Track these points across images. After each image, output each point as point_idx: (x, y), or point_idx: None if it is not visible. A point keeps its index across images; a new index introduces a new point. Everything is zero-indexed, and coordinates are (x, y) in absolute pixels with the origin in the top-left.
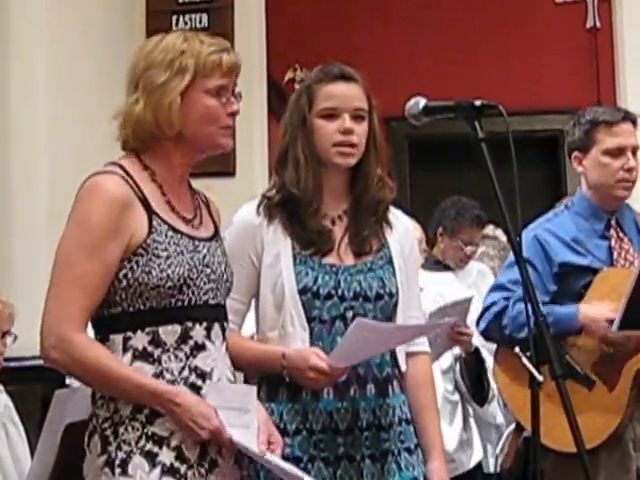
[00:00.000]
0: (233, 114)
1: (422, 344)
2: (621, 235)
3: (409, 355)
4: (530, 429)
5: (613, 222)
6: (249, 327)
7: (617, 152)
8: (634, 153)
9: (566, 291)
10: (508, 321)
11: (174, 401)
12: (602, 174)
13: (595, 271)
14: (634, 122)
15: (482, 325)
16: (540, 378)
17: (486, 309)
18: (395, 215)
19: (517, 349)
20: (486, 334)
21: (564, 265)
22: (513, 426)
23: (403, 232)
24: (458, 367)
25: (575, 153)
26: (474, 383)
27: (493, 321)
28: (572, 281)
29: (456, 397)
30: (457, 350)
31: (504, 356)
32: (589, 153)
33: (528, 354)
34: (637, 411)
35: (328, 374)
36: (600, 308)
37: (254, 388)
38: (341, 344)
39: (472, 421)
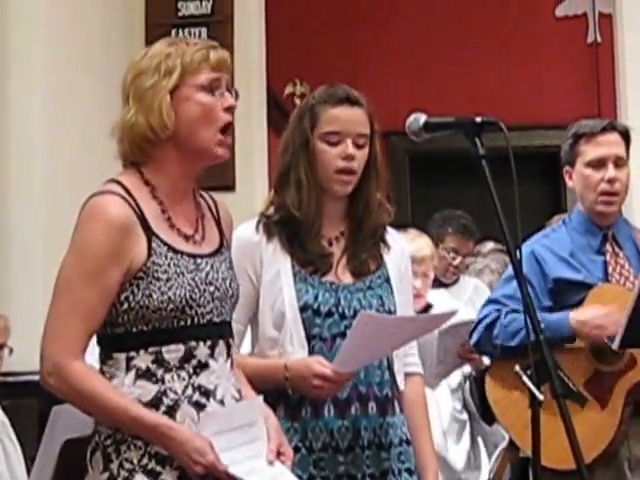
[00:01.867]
0: (229, 109)
1: (415, 365)
2: (617, 250)
3: (404, 375)
4: (522, 445)
5: (609, 237)
6: (245, 347)
7: (598, 163)
8: (618, 164)
9: (561, 307)
10: (499, 330)
11: (168, 435)
12: (584, 187)
13: (589, 286)
14: (622, 133)
15: (474, 338)
16: (541, 397)
17: (478, 322)
18: (392, 235)
19: (517, 367)
20: (479, 347)
21: (559, 280)
22: (505, 443)
23: (399, 253)
24: (468, 385)
25: (565, 168)
26: (483, 402)
27: (485, 333)
28: (567, 297)
29: (464, 416)
30: (467, 368)
31: (497, 371)
32: (575, 167)
33: (529, 372)
34: (632, 429)
35: (333, 381)
36: (591, 310)
37: (258, 398)
38: (345, 344)
39: (480, 440)
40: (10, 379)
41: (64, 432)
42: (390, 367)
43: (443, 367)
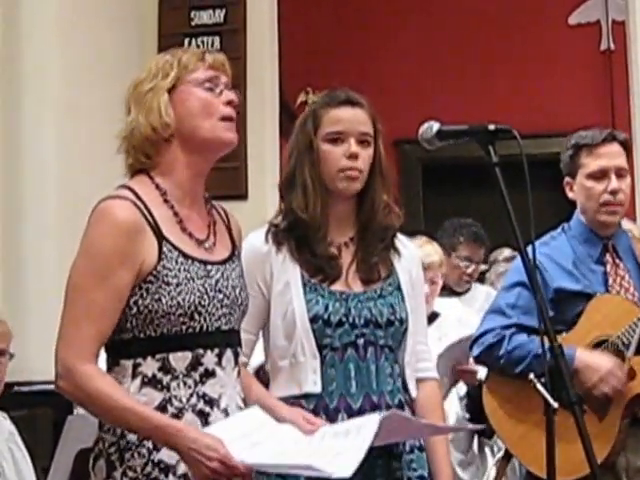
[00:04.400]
0: (229, 103)
1: (429, 370)
2: (617, 261)
3: (418, 381)
4: (518, 455)
5: (609, 248)
6: (258, 356)
7: (600, 175)
8: (620, 175)
9: (561, 318)
10: (503, 354)
11: (177, 435)
12: (587, 198)
13: (589, 296)
14: (622, 143)
15: (476, 351)
16: (555, 405)
17: (481, 335)
18: (401, 241)
19: (532, 375)
20: (479, 360)
21: (559, 291)
22: (501, 454)
23: (410, 259)
24: (465, 401)
25: (566, 179)
26: (481, 416)
27: (487, 350)
28: (567, 307)
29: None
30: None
31: (494, 382)
32: (576, 178)
33: (542, 380)
34: (629, 440)
35: None
36: (600, 360)
37: (256, 407)
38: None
39: (488, 450)
40: (24, 389)
41: (78, 442)
42: (402, 374)
43: (446, 381)
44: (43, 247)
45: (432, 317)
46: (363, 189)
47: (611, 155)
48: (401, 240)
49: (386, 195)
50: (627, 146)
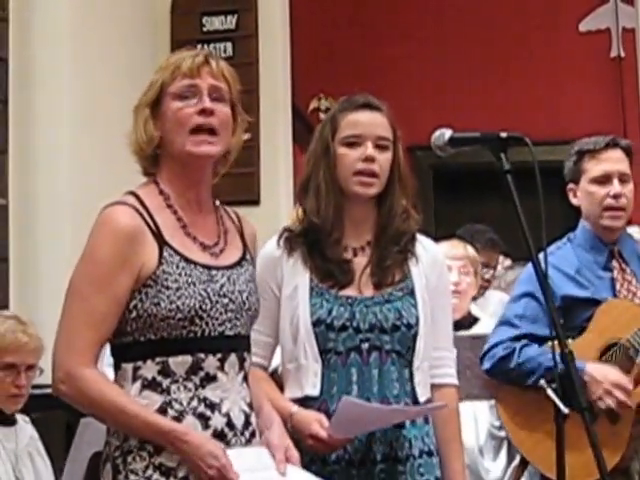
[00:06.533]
0: (203, 111)
1: (449, 376)
2: (624, 266)
3: (435, 387)
4: (533, 461)
5: (615, 253)
6: (277, 358)
7: (603, 179)
8: (623, 180)
9: (570, 325)
10: (514, 366)
11: (182, 439)
12: (590, 203)
13: (598, 302)
14: (625, 149)
15: (487, 364)
16: (566, 411)
17: (491, 348)
18: (423, 245)
19: (542, 381)
20: (490, 374)
21: (566, 298)
22: (517, 461)
23: (430, 264)
24: None
25: (569, 185)
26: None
27: (498, 364)
28: (575, 314)
29: (502, 433)
30: None
31: (506, 391)
32: (579, 184)
33: (553, 386)
34: None
35: (327, 443)
36: (608, 372)
37: (264, 449)
38: (333, 419)
39: (518, 459)
40: (37, 391)
41: (92, 445)
42: (411, 379)
43: (461, 383)
44: (56, 250)
45: (473, 321)
46: (382, 194)
47: (614, 160)
48: (423, 244)
49: (405, 201)
50: (630, 152)
